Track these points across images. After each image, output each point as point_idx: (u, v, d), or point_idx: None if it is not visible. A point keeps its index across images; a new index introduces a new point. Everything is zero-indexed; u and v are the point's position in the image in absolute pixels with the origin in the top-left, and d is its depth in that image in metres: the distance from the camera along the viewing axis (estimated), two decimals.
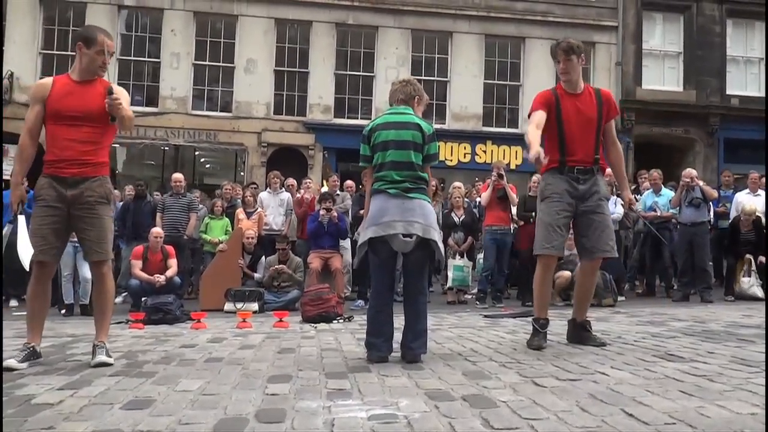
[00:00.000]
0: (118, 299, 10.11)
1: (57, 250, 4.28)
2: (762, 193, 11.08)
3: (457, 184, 11.11)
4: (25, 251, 4.46)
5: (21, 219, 4.56)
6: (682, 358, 3.99)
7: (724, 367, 3.64)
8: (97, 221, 4.23)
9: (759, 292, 9.87)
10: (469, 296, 10.28)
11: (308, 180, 11.38)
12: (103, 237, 4.27)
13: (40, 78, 15.06)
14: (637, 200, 11.55)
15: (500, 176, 9.48)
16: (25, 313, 4.48)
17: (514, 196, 9.67)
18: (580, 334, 4.80)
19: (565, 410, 2.72)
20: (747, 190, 11.25)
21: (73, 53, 4.36)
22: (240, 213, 10.75)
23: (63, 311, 8.88)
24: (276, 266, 9.49)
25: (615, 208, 9.89)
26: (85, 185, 4.18)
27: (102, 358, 4.07)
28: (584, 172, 4.67)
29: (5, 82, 16.20)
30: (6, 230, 8.99)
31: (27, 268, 4.51)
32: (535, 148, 4.19)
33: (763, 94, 18.50)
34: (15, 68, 16.40)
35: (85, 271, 8.60)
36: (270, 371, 3.81)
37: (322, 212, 9.61)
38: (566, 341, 4.88)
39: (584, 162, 4.67)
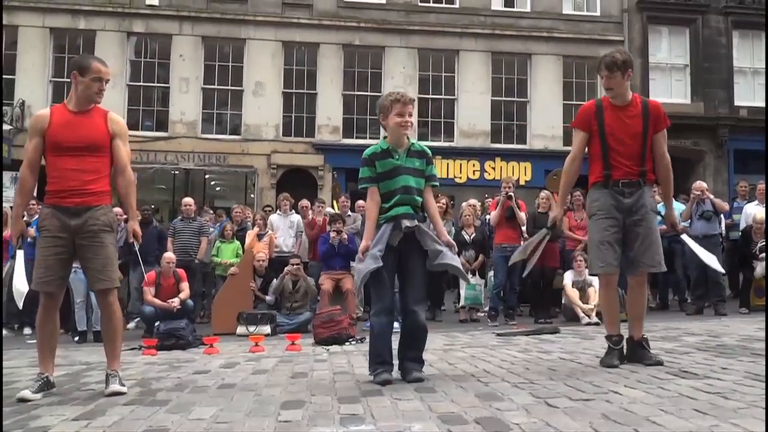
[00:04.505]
0: (131, 324, 10.14)
1: (62, 280, 4.29)
2: None
3: (472, 201, 11.04)
4: (21, 288, 4.46)
5: (20, 254, 4.57)
6: (696, 375, 3.96)
7: (739, 384, 3.62)
8: (101, 249, 4.22)
9: None
10: (482, 314, 10.23)
11: (321, 204, 11.36)
12: (108, 265, 4.25)
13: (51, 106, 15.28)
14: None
15: (509, 197, 9.45)
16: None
17: (522, 215, 9.60)
18: (637, 352, 4.60)
19: (579, 431, 2.71)
20: (756, 202, 11.19)
21: None
22: (251, 235, 10.76)
23: (76, 339, 8.91)
24: (285, 273, 9.56)
25: None
26: (88, 214, 4.18)
27: (115, 387, 4.07)
28: (629, 186, 4.56)
29: (16, 110, 16.38)
30: (8, 265, 8.96)
31: (20, 307, 4.51)
32: (555, 211, 4.24)
33: None
34: (26, 96, 16.61)
35: None
36: (283, 396, 3.81)
37: (332, 234, 9.63)
38: (626, 361, 4.60)
39: (629, 175, 4.57)
